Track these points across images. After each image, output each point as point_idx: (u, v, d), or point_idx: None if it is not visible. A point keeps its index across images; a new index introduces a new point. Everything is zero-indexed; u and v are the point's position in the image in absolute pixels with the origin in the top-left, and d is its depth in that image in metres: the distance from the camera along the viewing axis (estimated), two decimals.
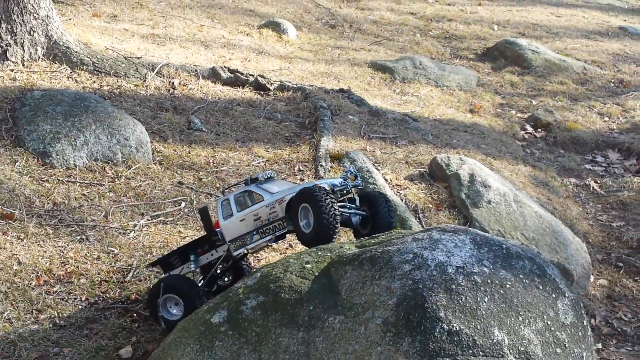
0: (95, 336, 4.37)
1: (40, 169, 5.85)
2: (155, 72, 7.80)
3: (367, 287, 3.46)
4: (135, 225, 5.47)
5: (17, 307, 4.47)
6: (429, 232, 3.69)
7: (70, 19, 9.51)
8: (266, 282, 3.66)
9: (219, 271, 4.52)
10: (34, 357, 4.13)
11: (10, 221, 5.20)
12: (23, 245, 5.01)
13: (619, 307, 6.15)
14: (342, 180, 4.09)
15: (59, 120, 6.17)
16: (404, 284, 3.36)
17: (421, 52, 11.93)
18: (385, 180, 6.46)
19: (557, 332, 3.40)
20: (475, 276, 3.37)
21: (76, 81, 7.16)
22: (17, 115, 6.28)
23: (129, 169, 6.13)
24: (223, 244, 4.30)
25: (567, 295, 3.55)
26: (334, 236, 3.85)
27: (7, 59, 6.97)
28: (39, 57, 7.19)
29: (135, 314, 4.60)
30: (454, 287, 3.32)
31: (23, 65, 7.05)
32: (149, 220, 5.58)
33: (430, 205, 6.31)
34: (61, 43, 7.33)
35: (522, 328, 3.31)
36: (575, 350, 3.43)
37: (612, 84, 11.31)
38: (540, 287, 3.48)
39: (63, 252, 5.03)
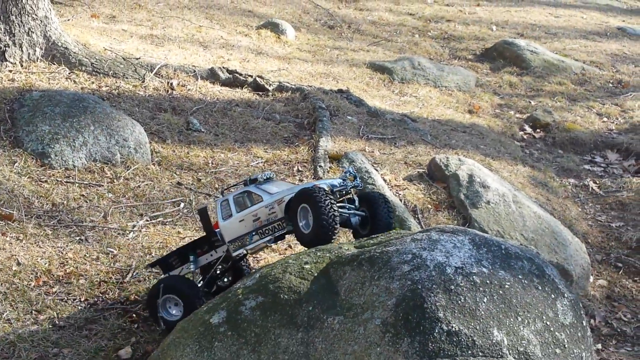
0: (95, 337, 4.37)
1: (39, 169, 5.85)
2: (153, 72, 7.79)
3: (366, 287, 3.46)
4: (134, 226, 5.47)
5: (17, 307, 4.47)
6: (428, 233, 3.69)
7: (68, 20, 9.50)
8: (265, 283, 3.66)
9: (218, 272, 4.52)
10: (34, 357, 4.13)
11: (9, 222, 5.20)
12: (22, 246, 5.01)
13: (619, 307, 6.15)
14: (341, 180, 4.09)
15: (58, 121, 6.17)
16: (403, 284, 3.36)
17: (420, 52, 11.93)
18: (384, 180, 6.46)
19: (557, 333, 3.40)
20: (474, 277, 3.37)
21: (75, 82, 7.15)
22: (15, 116, 6.28)
23: (127, 170, 6.13)
24: (222, 245, 4.30)
25: (566, 295, 3.55)
26: (333, 237, 3.85)
27: (6, 60, 6.96)
28: (38, 57, 7.19)
29: (134, 315, 4.60)
30: (453, 287, 3.32)
31: (21, 66, 7.05)
32: (148, 220, 5.58)
33: (429, 206, 6.31)
34: (60, 44, 7.33)
35: (522, 328, 3.32)
36: (575, 351, 3.43)
37: (610, 85, 11.32)
38: (539, 288, 3.48)
39: (62, 253, 5.03)
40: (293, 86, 8.42)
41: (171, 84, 7.76)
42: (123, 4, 11.06)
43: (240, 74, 8.41)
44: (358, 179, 4.15)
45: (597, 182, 8.29)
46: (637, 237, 7.01)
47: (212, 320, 3.62)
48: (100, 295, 4.73)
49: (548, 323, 3.39)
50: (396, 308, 3.30)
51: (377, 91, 9.70)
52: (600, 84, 11.27)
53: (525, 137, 9.36)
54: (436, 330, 3.21)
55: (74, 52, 7.41)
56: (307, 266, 3.69)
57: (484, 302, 3.31)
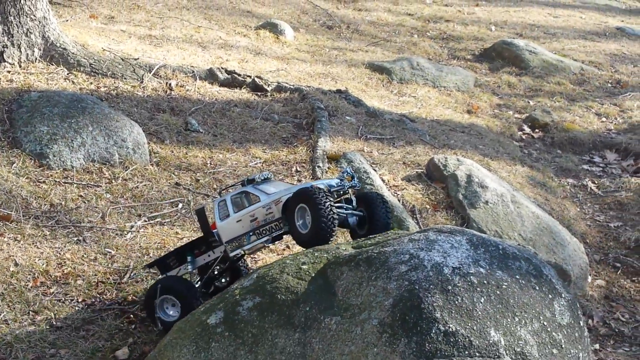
0: (92, 337, 4.37)
1: (37, 170, 5.84)
2: (152, 73, 7.79)
3: (364, 288, 3.45)
4: (132, 227, 5.47)
5: (14, 308, 4.47)
6: (426, 233, 3.69)
7: (67, 21, 9.50)
8: (262, 283, 3.66)
9: (216, 272, 4.51)
10: (31, 358, 4.13)
11: (7, 222, 5.20)
12: (20, 247, 5.01)
13: (617, 307, 6.15)
14: (339, 180, 4.09)
15: (56, 121, 6.17)
16: (400, 284, 3.36)
17: (418, 52, 11.93)
18: (383, 181, 6.46)
19: (554, 333, 3.40)
20: (471, 277, 3.37)
21: (73, 82, 7.15)
22: (14, 117, 6.27)
23: (126, 170, 6.13)
24: (220, 245, 4.30)
25: (563, 295, 3.55)
26: (331, 237, 3.85)
27: (4, 61, 6.96)
28: (36, 58, 7.19)
29: (132, 315, 4.60)
30: (450, 287, 3.32)
31: (20, 66, 7.04)
32: (146, 221, 5.57)
33: (428, 206, 6.31)
34: (58, 44, 7.32)
35: (519, 329, 3.31)
36: (572, 351, 3.43)
37: (609, 85, 11.33)
38: (537, 288, 3.48)
39: (60, 254, 5.03)
40: (292, 86, 8.42)
41: (170, 84, 7.75)
42: (122, 5, 11.06)
43: (239, 75, 8.41)
44: (356, 179, 4.15)
45: (596, 182, 8.29)
46: (635, 237, 7.01)
47: (209, 320, 3.62)
48: (98, 295, 4.73)
49: (545, 323, 3.39)
50: (393, 308, 3.29)
51: (376, 91, 9.70)
52: (599, 84, 11.27)
53: (524, 137, 9.36)
54: (433, 331, 3.21)
55: (73, 53, 7.41)
56: (304, 266, 3.69)
57: (481, 303, 3.31)
